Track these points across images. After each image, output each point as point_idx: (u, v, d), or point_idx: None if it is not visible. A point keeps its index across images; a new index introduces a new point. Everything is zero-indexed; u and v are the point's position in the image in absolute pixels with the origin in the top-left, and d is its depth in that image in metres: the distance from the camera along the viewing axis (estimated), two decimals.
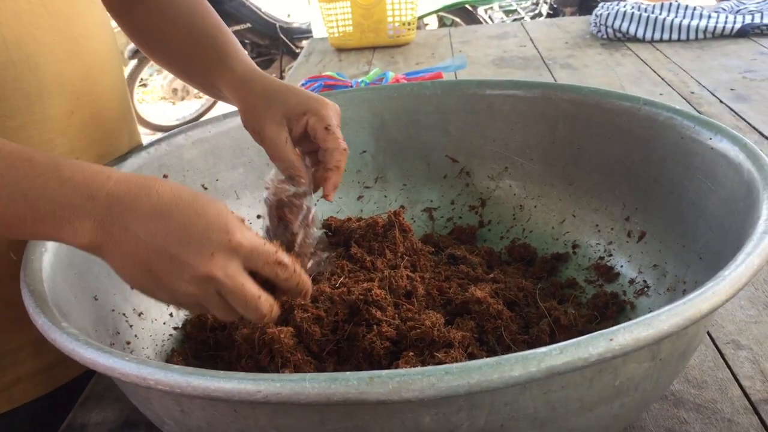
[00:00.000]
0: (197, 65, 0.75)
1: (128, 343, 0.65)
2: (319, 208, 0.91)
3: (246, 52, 0.76)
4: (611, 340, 0.39)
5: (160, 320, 0.72)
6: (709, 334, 0.70)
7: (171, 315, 0.74)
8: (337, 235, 0.82)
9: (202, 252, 0.47)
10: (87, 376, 0.74)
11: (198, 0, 0.78)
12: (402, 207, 0.93)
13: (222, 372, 0.39)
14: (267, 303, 0.51)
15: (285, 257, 0.52)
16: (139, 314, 0.70)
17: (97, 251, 0.49)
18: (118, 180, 0.49)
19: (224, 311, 0.51)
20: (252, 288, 0.50)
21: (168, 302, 0.52)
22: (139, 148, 0.80)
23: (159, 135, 0.84)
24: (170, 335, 0.72)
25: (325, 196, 0.66)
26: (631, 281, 0.74)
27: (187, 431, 0.47)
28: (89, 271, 0.64)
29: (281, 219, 0.61)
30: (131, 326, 0.68)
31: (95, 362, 0.43)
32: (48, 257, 0.57)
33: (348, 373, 0.38)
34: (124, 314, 0.67)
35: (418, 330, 0.60)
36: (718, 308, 0.43)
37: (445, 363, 0.57)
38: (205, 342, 0.70)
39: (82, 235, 0.48)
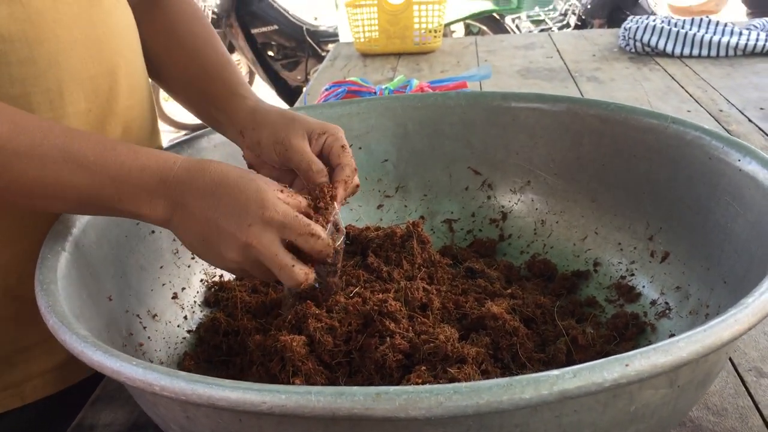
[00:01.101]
0: (203, 92, 0.79)
1: (141, 344, 0.65)
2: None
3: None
4: (627, 365, 0.38)
5: (174, 323, 0.72)
6: (731, 360, 0.69)
7: (185, 318, 0.74)
8: (354, 243, 0.81)
9: (240, 224, 0.56)
10: (98, 377, 0.74)
11: (208, 29, 0.83)
12: (422, 217, 0.92)
13: (228, 381, 0.39)
14: (301, 271, 0.58)
15: (318, 229, 0.59)
16: (153, 316, 0.70)
17: (167, 225, 0.59)
18: (181, 164, 0.58)
19: (264, 275, 0.59)
20: (285, 257, 0.57)
21: (220, 267, 0.60)
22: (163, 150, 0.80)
23: (183, 133, 0.85)
24: (183, 338, 0.72)
25: None
26: (653, 302, 0.73)
27: None
28: (105, 271, 0.64)
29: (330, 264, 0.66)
30: (145, 328, 0.67)
31: (102, 365, 0.43)
32: (64, 256, 0.58)
33: (355, 387, 0.37)
34: (138, 315, 0.67)
35: (432, 344, 0.59)
36: (740, 336, 0.42)
37: (457, 379, 0.56)
38: (218, 347, 0.69)
39: (157, 212, 0.57)
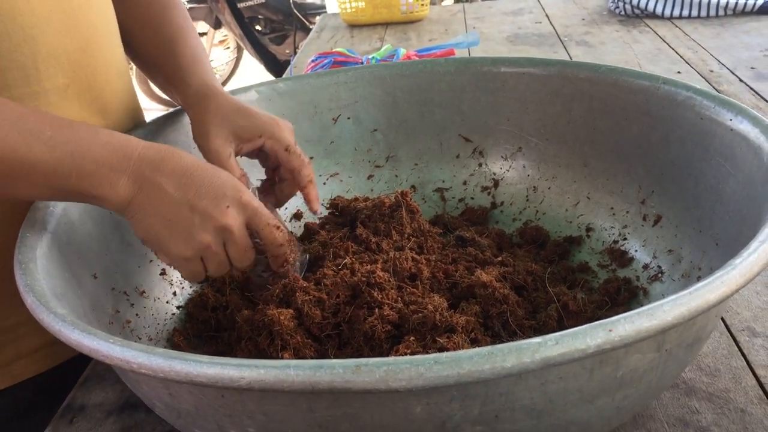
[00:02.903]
0: (159, 71, 0.79)
1: (128, 321, 0.65)
2: (329, 187, 0.90)
3: (209, 64, 0.78)
4: (610, 330, 0.37)
5: (162, 299, 0.72)
6: (723, 320, 0.68)
7: (174, 294, 0.73)
8: (343, 215, 0.80)
9: (219, 205, 0.56)
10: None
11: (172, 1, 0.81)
12: (413, 187, 0.91)
13: (206, 357, 0.38)
14: (253, 256, 0.61)
15: (280, 223, 0.61)
16: (141, 293, 0.69)
17: (125, 207, 0.56)
18: (146, 145, 0.56)
19: (220, 265, 0.59)
20: (249, 241, 0.59)
21: (176, 253, 0.57)
22: (145, 124, 0.79)
23: (171, 111, 0.83)
24: (173, 314, 0.72)
25: (313, 211, 0.73)
26: (645, 266, 0.72)
27: (177, 414, 0.46)
28: (89, 249, 0.64)
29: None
30: (132, 305, 0.67)
31: (80, 343, 0.42)
32: (45, 235, 0.57)
33: (335, 360, 0.37)
34: (125, 293, 0.66)
35: (420, 314, 0.59)
36: (728, 298, 0.41)
37: (446, 348, 0.56)
38: (207, 322, 0.69)
39: (118, 191, 0.55)
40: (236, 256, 0.59)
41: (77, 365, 0.74)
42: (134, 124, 0.80)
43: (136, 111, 0.82)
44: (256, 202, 0.59)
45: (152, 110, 4.24)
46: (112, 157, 0.54)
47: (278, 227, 0.61)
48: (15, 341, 0.70)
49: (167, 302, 0.72)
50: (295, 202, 0.88)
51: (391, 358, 0.36)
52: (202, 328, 0.69)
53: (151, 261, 0.72)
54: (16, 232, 0.64)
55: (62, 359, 0.75)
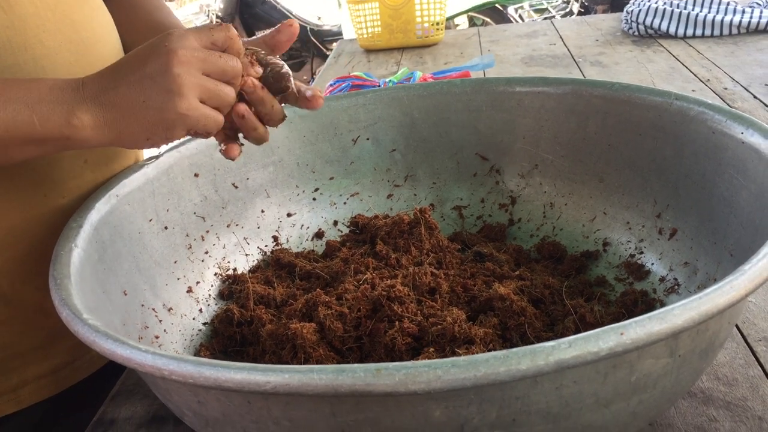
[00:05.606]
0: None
1: (157, 337, 0.67)
2: (349, 206, 0.92)
3: None
4: (622, 334, 0.38)
5: (189, 315, 0.74)
6: (740, 331, 0.69)
7: (200, 311, 0.76)
8: (363, 232, 0.82)
9: (171, 58, 0.54)
10: (93, 379, 0.76)
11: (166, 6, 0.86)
12: (431, 205, 0.93)
13: (233, 363, 0.40)
14: (239, 64, 0.59)
15: (218, 31, 0.58)
16: (169, 309, 0.71)
17: (107, 137, 0.56)
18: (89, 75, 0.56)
19: (223, 98, 0.58)
20: (225, 59, 0.57)
21: (180, 132, 0.57)
22: (171, 147, 0.81)
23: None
24: (199, 330, 0.74)
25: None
26: (662, 279, 0.73)
27: (205, 422, 0.48)
28: (120, 267, 0.66)
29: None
30: (160, 321, 0.69)
31: (114, 353, 0.44)
32: (77, 253, 0.59)
33: (356, 365, 0.38)
34: (153, 309, 0.69)
35: (440, 326, 0.60)
36: (738, 303, 0.42)
37: None
38: (232, 337, 0.71)
39: (86, 122, 0.55)
40: (227, 74, 0.57)
41: (79, 392, 0.76)
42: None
43: None
44: (190, 51, 0.55)
45: None
46: (62, 95, 0.55)
47: (231, 37, 0.58)
48: (22, 368, 0.72)
49: (193, 319, 0.74)
50: (317, 222, 0.90)
51: (410, 362, 0.38)
52: (227, 343, 0.71)
53: (178, 279, 0.75)
54: (18, 262, 0.65)
55: (65, 386, 0.76)
